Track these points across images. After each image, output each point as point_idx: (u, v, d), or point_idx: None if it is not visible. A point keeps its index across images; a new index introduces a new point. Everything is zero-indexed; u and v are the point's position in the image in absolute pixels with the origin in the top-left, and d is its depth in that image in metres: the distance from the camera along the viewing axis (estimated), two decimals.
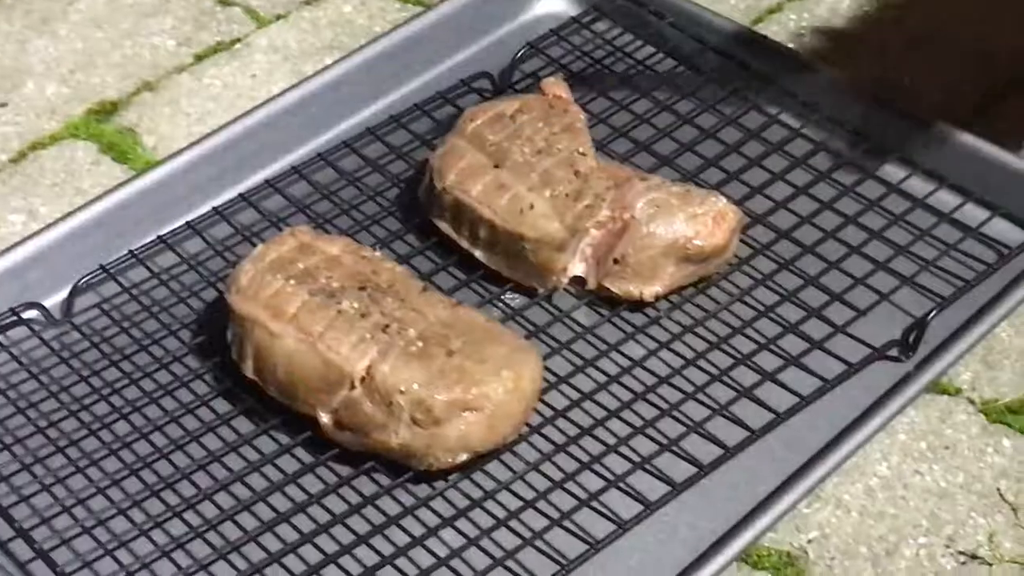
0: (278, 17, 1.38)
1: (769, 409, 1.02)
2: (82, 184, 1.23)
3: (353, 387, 0.96)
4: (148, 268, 1.11)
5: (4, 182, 1.23)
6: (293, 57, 1.34)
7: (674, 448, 1.00)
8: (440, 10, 1.31)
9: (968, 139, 1.18)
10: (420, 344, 0.98)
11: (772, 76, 1.24)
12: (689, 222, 1.08)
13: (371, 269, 1.03)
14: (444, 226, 1.12)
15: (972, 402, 1.06)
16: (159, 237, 1.13)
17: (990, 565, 0.96)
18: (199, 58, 1.35)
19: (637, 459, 0.99)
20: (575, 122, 1.15)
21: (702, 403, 1.03)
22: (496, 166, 1.11)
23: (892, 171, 1.18)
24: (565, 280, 1.10)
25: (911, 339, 1.06)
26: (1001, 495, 1.00)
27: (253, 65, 1.33)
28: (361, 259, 1.03)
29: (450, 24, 1.30)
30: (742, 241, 1.12)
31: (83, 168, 1.24)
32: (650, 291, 1.08)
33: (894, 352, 1.06)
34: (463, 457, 0.97)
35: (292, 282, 1.01)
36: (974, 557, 0.96)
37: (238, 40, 1.36)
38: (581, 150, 1.12)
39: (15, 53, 1.35)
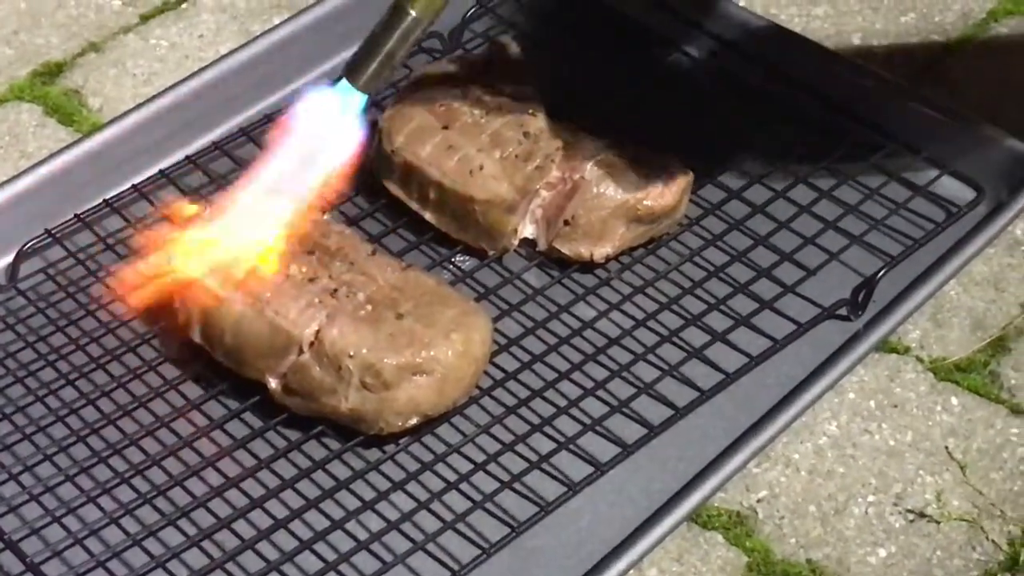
0: None
1: (719, 369, 1.02)
2: (27, 147, 1.21)
3: (302, 352, 0.96)
4: (94, 232, 1.10)
5: None
6: (240, 16, 1.33)
7: (625, 409, 1.00)
8: None
9: (923, 98, 1.18)
10: (369, 308, 0.97)
11: (716, 32, 1.24)
12: (639, 183, 1.08)
13: (319, 232, 1.02)
14: (394, 188, 1.12)
15: (921, 360, 1.06)
16: (105, 200, 1.12)
17: (938, 523, 0.96)
18: (145, 18, 1.33)
19: (588, 421, 0.99)
20: (525, 83, 1.14)
21: (652, 364, 1.03)
22: (445, 127, 1.10)
23: (841, 130, 1.18)
24: (515, 242, 1.09)
25: (860, 298, 1.06)
26: (949, 453, 1.00)
27: (200, 25, 1.32)
28: (310, 222, 1.03)
29: None
30: (692, 201, 1.12)
31: (28, 131, 1.23)
32: (600, 252, 1.08)
33: (843, 311, 1.06)
34: (413, 421, 0.96)
35: (238, 246, 1.00)
36: (922, 515, 0.97)
37: (184, 0, 1.35)
38: (531, 111, 1.11)
39: None
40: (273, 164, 1.03)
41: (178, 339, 1.02)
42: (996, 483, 0.99)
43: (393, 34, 0.99)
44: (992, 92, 1.26)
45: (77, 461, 0.96)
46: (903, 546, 0.95)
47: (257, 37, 1.24)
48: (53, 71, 1.29)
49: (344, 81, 1.01)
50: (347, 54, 1.23)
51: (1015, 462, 1.00)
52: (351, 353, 0.95)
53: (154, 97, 1.18)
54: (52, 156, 1.14)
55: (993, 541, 0.96)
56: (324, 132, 1.02)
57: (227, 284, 0.98)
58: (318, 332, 0.96)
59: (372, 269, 1.00)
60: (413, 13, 0.99)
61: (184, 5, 1.34)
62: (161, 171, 1.14)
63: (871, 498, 0.98)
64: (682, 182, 1.09)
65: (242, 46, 1.23)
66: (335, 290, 0.98)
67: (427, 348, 0.96)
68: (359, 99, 1.01)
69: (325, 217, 1.05)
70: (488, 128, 1.10)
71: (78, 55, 1.30)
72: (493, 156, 1.08)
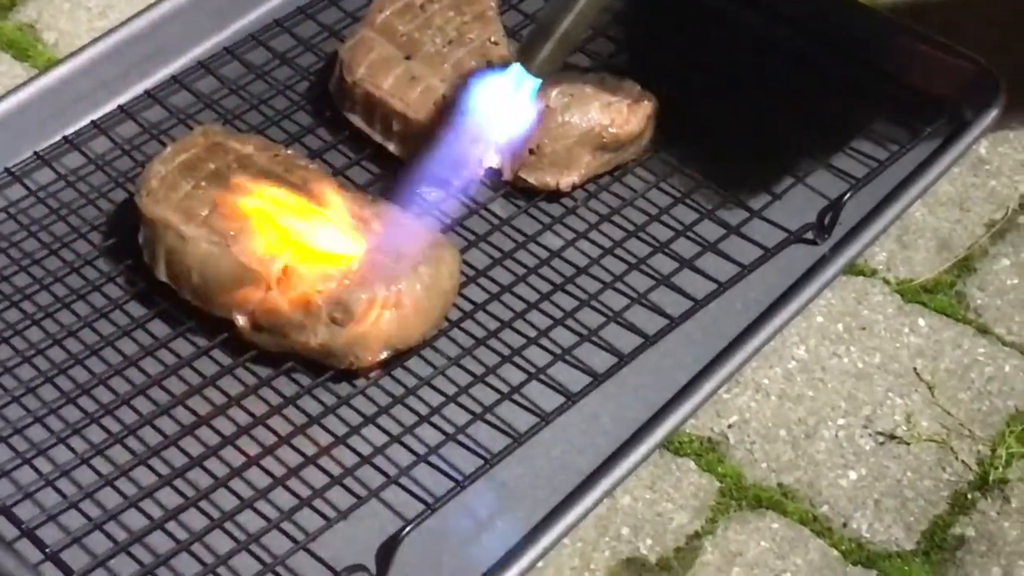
0: None
1: (687, 296, 1.02)
2: None
3: (269, 288, 0.95)
4: (54, 169, 1.09)
5: None
6: None
7: (594, 338, 1.00)
8: None
9: (884, 20, 1.18)
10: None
11: None
12: (604, 110, 1.07)
13: (283, 167, 1.01)
14: (356, 120, 1.11)
15: (888, 282, 1.07)
16: (64, 137, 1.11)
17: (908, 444, 0.97)
18: None
19: (558, 351, 0.99)
20: (486, 10, 1.13)
21: (621, 292, 1.03)
22: (407, 57, 1.10)
23: (805, 51, 1.17)
24: (481, 172, 1.09)
25: (826, 221, 1.06)
26: (918, 374, 1.01)
27: None
28: (273, 157, 1.02)
29: None
30: (657, 128, 1.11)
31: None
32: (566, 181, 1.08)
33: (810, 235, 1.06)
34: (383, 355, 0.96)
35: (203, 183, 0.99)
36: (892, 437, 0.98)
37: None
38: (493, 39, 1.10)
39: None
40: (444, 149, 1.02)
41: (143, 278, 1.01)
42: (964, 403, 0.99)
43: (569, 14, 0.97)
44: (953, 10, 1.26)
45: (46, 403, 0.95)
46: (873, 468, 0.96)
47: None
48: (6, 6, 1.27)
49: (517, 65, 0.99)
50: None
51: (983, 382, 1.01)
52: (319, 288, 0.95)
53: (110, 31, 1.16)
54: (9, 93, 1.11)
55: (963, 461, 0.96)
56: (497, 117, 1.02)
57: (192, 222, 0.97)
58: (285, 267, 0.95)
59: (337, 203, 0.99)
60: None
61: None
62: (120, 106, 1.13)
63: (841, 421, 0.98)
64: (647, 108, 1.09)
65: None
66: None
67: (395, 281, 0.95)
68: (533, 83, 0.99)
69: (289, 151, 1.04)
70: (450, 58, 1.09)
71: None
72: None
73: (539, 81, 1.00)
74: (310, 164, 1.03)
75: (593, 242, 1.06)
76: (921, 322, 1.04)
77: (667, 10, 1.21)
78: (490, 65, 1.08)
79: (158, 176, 1.00)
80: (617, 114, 1.07)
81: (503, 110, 1.02)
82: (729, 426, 0.98)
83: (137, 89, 1.15)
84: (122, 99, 1.14)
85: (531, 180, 1.08)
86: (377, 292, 0.95)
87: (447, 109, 1.06)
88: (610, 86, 1.08)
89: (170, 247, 0.98)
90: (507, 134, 1.04)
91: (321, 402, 0.96)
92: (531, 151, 1.07)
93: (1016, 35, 1.21)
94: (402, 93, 1.08)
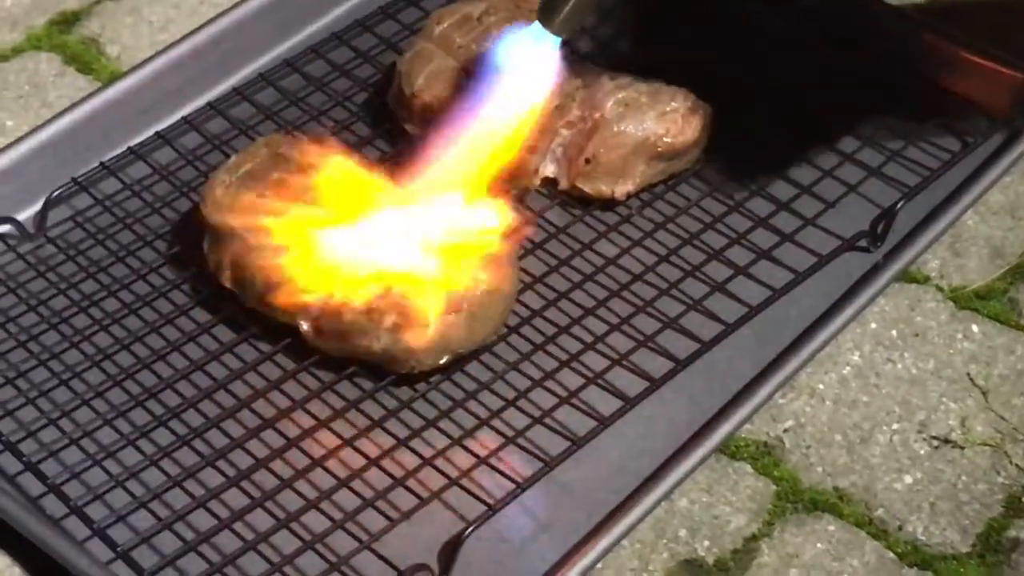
0: None
1: (742, 302, 1.03)
2: (47, 96, 1.22)
3: (332, 295, 0.97)
4: (120, 179, 1.11)
5: None
6: None
7: (650, 344, 1.01)
8: None
9: (933, 31, 1.19)
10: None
11: None
12: (659, 120, 1.09)
13: (345, 175, 1.03)
14: (415, 131, 1.12)
15: (941, 289, 1.08)
16: (129, 148, 1.13)
17: (962, 448, 0.98)
18: None
19: (615, 356, 1.00)
20: None
21: (676, 299, 1.04)
22: (464, 69, 1.11)
23: (858, 63, 1.18)
24: (537, 181, 1.10)
25: (879, 229, 1.07)
26: (971, 379, 1.02)
27: None
28: (336, 166, 1.03)
29: None
30: (711, 136, 1.13)
31: (47, 80, 1.24)
32: (622, 189, 1.09)
33: (863, 243, 1.07)
34: (444, 359, 0.98)
35: (267, 192, 1.01)
36: (946, 441, 0.99)
37: None
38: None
39: None
40: (461, 109, 1.03)
41: (208, 285, 1.03)
42: (1018, 408, 1.00)
43: None
44: (1000, 21, 1.27)
45: (115, 406, 0.97)
46: (928, 472, 0.97)
47: None
48: (70, 19, 1.29)
49: (537, 24, 1.00)
50: None
51: None
52: (381, 294, 0.96)
53: (173, 44, 1.19)
54: (76, 105, 1.14)
55: (1017, 465, 0.97)
56: (516, 76, 1.02)
57: (256, 230, 0.99)
58: (348, 275, 0.97)
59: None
60: None
61: None
62: (183, 118, 1.15)
63: (895, 426, 0.99)
64: (701, 118, 1.10)
65: None
66: None
67: (456, 287, 0.97)
68: (553, 42, 1.00)
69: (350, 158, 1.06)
70: None
71: (94, 3, 1.30)
72: None
73: (559, 39, 1.00)
74: (372, 173, 1.04)
75: (648, 249, 1.07)
76: (974, 328, 1.05)
77: (716, 22, 1.22)
78: None
79: (223, 185, 1.02)
80: (672, 124, 1.09)
81: (525, 69, 1.03)
82: (785, 430, 0.99)
83: (199, 101, 1.17)
84: (185, 111, 1.16)
85: (587, 189, 1.10)
86: (438, 298, 0.96)
87: (504, 121, 1.08)
88: (665, 95, 1.10)
89: (235, 255, 1.00)
90: (529, 91, 1.05)
91: (383, 406, 0.98)
92: (587, 160, 1.09)
93: None
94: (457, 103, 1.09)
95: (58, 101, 1.21)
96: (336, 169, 1.03)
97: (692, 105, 1.10)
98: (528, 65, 1.03)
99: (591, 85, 1.10)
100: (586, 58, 1.17)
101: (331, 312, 0.97)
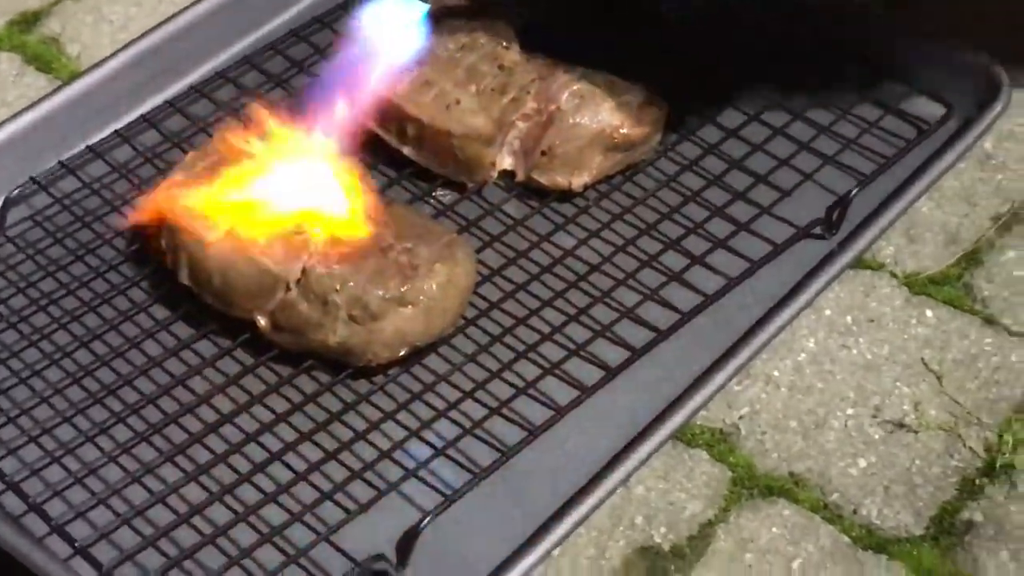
0: None
1: (698, 291, 1.04)
2: (7, 96, 1.23)
3: (289, 290, 0.98)
4: (79, 178, 1.12)
5: None
6: None
7: (607, 334, 1.02)
8: None
9: (888, 18, 1.20)
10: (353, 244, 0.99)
11: None
12: (615, 111, 1.09)
13: (300, 168, 1.03)
14: (372, 125, 1.13)
15: (895, 275, 1.09)
16: (88, 147, 1.13)
17: (916, 432, 0.99)
18: None
19: (572, 346, 1.01)
20: (497, 17, 1.15)
21: (633, 288, 1.05)
22: (420, 63, 1.12)
23: (811, 51, 1.19)
24: (494, 174, 1.11)
25: (834, 217, 1.08)
26: (925, 364, 1.03)
27: None
28: (291, 158, 1.04)
29: None
30: (667, 127, 1.13)
31: (7, 80, 1.24)
32: (578, 181, 1.10)
33: (818, 231, 1.08)
34: (401, 352, 0.98)
35: (223, 189, 1.01)
36: (901, 425, 0.99)
37: None
38: (504, 43, 1.13)
39: None
40: (329, 72, 1.03)
41: (166, 282, 1.04)
42: (972, 392, 1.01)
43: None
44: (955, 6, 1.27)
45: (74, 403, 0.98)
46: (883, 456, 0.98)
47: None
48: (30, 20, 1.30)
49: None
50: None
51: (990, 371, 1.03)
52: (337, 287, 0.97)
53: (131, 42, 1.19)
54: (34, 104, 1.14)
55: (970, 448, 0.98)
56: (382, 41, 1.03)
57: (213, 227, 1.00)
58: (304, 269, 0.98)
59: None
60: None
61: None
62: (142, 116, 1.15)
63: (850, 411, 1.00)
64: (657, 109, 1.11)
65: None
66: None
67: (412, 279, 0.98)
68: (421, 8, 1.00)
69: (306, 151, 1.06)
70: (463, 63, 1.11)
71: (54, 3, 1.31)
72: (469, 90, 1.10)
73: (426, 6, 1.00)
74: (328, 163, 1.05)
75: (605, 240, 1.08)
76: (929, 313, 1.06)
77: (670, 9, 1.23)
78: (501, 68, 1.11)
79: (178, 183, 1.03)
80: (628, 115, 1.09)
81: (393, 35, 1.03)
82: (740, 417, 1.00)
83: (158, 99, 1.18)
84: (143, 109, 1.16)
85: (543, 181, 1.10)
86: (395, 290, 0.97)
87: (460, 113, 1.09)
88: (620, 87, 1.11)
89: (191, 252, 1.00)
90: (395, 59, 1.06)
91: (341, 399, 0.98)
92: (543, 152, 1.09)
93: (1019, 30, 1.23)
94: (416, 98, 1.10)
95: (17, 101, 1.22)
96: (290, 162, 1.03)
97: (648, 96, 1.11)
98: (399, 29, 1.03)
99: (546, 77, 1.10)
100: (538, 51, 1.17)
101: (287, 307, 0.98)
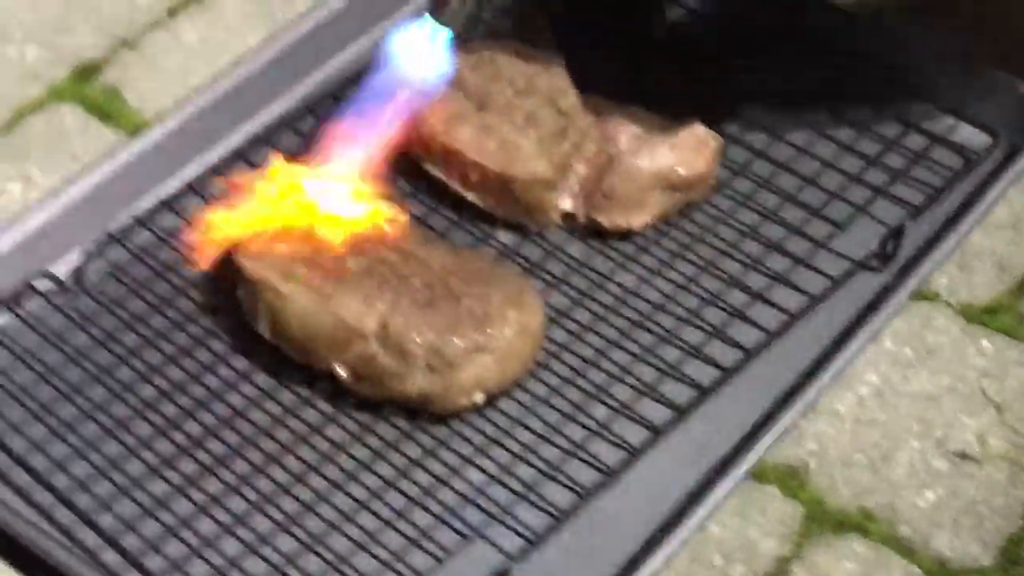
0: None
1: (761, 328, 1.06)
2: (73, 147, 1.25)
3: (367, 340, 1.00)
4: (153, 232, 1.14)
5: None
6: (263, 1, 1.36)
7: (675, 373, 1.04)
8: None
9: (931, 45, 1.22)
10: (427, 292, 1.02)
11: None
12: (672, 151, 1.12)
13: (372, 223, 1.06)
14: (434, 171, 1.15)
15: (950, 306, 1.11)
16: (161, 200, 1.16)
17: (980, 463, 1.02)
18: (172, 12, 1.36)
19: (641, 386, 1.03)
20: (552, 59, 1.18)
21: (697, 327, 1.07)
22: (481, 109, 1.14)
23: (860, 84, 1.21)
24: (556, 217, 1.14)
25: (888, 249, 1.11)
26: (985, 394, 1.05)
27: (226, 15, 1.35)
28: (362, 213, 1.07)
29: None
30: (721, 164, 1.16)
31: (72, 131, 1.27)
32: (639, 221, 1.13)
33: (874, 263, 1.10)
34: (478, 399, 1.01)
35: (299, 241, 1.04)
36: (965, 456, 1.02)
37: None
38: (561, 87, 1.15)
39: None
40: (357, 102, 1.05)
41: (245, 333, 1.06)
42: None
43: None
44: (998, 35, 1.29)
45: (163, 456, 1.00)
46: (949, 487, 1.00)
47: (285, 28, 1.26)
48: (89, 69, 1.32)
49: (429, 17, 1.02)
50: (368, 42, 1.28)
51: None
52: (416, 338, 1.00)
53: (197, 93, 1.21)
54: (106, 158, 1.16)
55: None
56: (408, 70, 1.05)
57: (289, 280, 1.03)
58: (381, 321, 1.00)
59: (424, 254, 1.05)
60: None
61: None
62: (212, 167, 1.18)
63: (915, 443, 1.03)
64: (713, 148, 1.14)
65: (270, 38, 1.25)
66: (393, 279, 1.02)
67: (488, 327, 1.00)
68: (444, 35, 1.02)
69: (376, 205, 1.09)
70: (522, 108, 1.14)
71: (111, 52, 1.33)
72: (529, 135, 1.12)
73: (450, 32, 1.03)
74: (398, 216, 1.08)
75: (667, 279, 1.10)
76: (985, 343, 1.08)
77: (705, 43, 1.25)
78: (559, 113, 1.14)
79: (255, 236, 1.06)
80: (685, 155, 1.12)
81: (418, 62, 1.05)
82: (809, 453, 1.03)
83: (222, 148, 1.19)
84: (211, 159, 1.18)
85: (604, 222, 1.13)
86: (471, 338, 1.00)
87: (523, 158, 1.11)
88: (677, 127, 1.13)
89: (270, 305, 1.03)
90: (422, 84, 1.08)
91: (421, 445, 1.01)
92: (603, 194, 1.12)
93: None
94: (478, 144, 1.13)
95: (83, 152, 1.24)
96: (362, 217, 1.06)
97: (703, 136, 1.13)
98: (423, 61, 1.05)
99: (604, 120, 1.13)
100: (592, 91, 1.20)
101: (366, 358, 1.01)
